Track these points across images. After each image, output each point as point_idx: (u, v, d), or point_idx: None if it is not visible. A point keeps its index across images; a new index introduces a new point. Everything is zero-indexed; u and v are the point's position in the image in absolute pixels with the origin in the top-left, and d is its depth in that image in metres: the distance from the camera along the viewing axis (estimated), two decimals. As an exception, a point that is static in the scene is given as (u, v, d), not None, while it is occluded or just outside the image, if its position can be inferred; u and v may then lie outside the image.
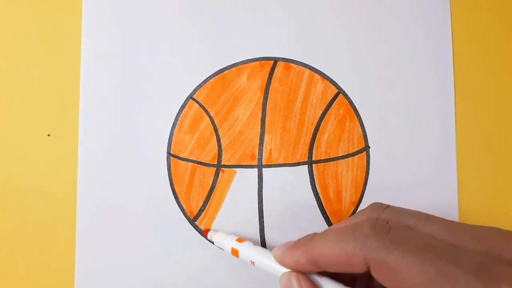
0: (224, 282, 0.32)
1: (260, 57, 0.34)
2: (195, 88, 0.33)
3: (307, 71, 0.34)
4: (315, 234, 0.25)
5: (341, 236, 0.23)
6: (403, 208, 0.25)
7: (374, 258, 0.22)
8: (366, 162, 0.33)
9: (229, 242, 0.30)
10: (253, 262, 0.29)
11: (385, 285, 0.22)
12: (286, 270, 0.26)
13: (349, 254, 0.22)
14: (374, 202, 0.26)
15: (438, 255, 0.21)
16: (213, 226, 0.33)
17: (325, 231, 0.25)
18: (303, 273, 0.25)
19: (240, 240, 0.30)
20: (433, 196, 0.33)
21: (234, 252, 0.30)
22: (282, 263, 0.26)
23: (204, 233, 0.32)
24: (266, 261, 0.28)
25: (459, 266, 0.20)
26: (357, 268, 0.23)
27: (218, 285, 0.32)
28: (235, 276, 0.32)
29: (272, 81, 0.33)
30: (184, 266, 0.32)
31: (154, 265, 0.32)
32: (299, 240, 0.26)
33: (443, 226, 0.23)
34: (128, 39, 0.33)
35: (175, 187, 0.33)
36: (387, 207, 0.25)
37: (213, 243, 0.32)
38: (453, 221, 0.23)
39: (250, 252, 0.29)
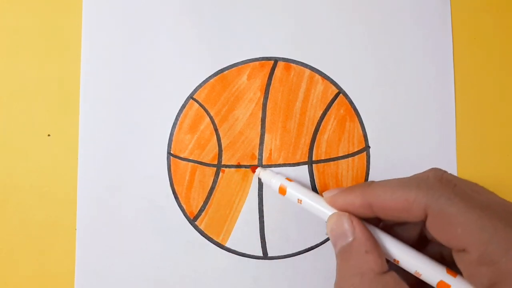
0: (224, 282, 0.32)
1: (260, 57, 0.34)
2: (196, 88, 0.33)
3: (307, 71, 0.34)
4: (372, 181, 0.25)
5: (404, 183, 0.23)
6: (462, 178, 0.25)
7: (435, 207, 0.22)
8: (366, 162, 0.33)
9: (278, 180, 0.30)
10: (300, 200, 0.29)
11: (437, 237, 0.22)
12: (334, 212, 0.26)
13: (410, 200, 0.22)
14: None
15: (499, 217, 0.21)
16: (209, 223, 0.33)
17: (385, 180, 0.25)
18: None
19: (288, 179, 0.30)
20: (433, 196, 0.33)
21: (282, 190, 0.30)
22: (333, 203, 0.26)
23: (251, 169, 0.32)
24: (315, 200, 0.28)
25: None
26: (414, 215, 0.22)
27: (218, 285, 0.32)
28: (235, 276, 0.32)
29: (272, 81, 0.33)
30: (184, 266, 0.32)
31: (154, 265, 0.32)
32: (354, 185, 0.26)
33: (503, 199, 0.23)
34: (128, 39, 0.33)
35: (175, 187, 0.33)
36: (445, 171, 0.25)
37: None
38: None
39: (298, 190, 0.29)
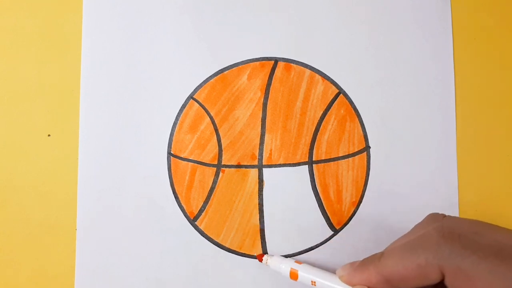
0: (224, 282, 0.32)
1: (260, 57, 0.34)
2: (196, 88, 0.33)
3: (308, 71, 0.34)
4: (382, 253, 0.25)
5: (410, 249, 0.23)
6: (460, 217, 0.25)
7: (449, 265, 0.21)
8: (367, 162, 0.33)
9: (287, 265, 0.30)
10: (314, 283, 0.29)
11: None
12: None
13: (422, 265, 0.22)
14: (429, 213, 0.26)
15: None
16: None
17: (391, 248, 0.25)
18: None
19: (297, 262, 0.30)
20: (433, 196, 0.33)
21: (293, 275, 0.30)
22: (349, 283, 0.26)
23: (258, 258, 0.32)
24: (330, 280, 0.28)
25: None
26: (432, 278, 0.22)
27: (218, 285, 0.32)
28: (235, 276, 0.32)
29: (272, 81, 0.33)
30: (184, 266, 0.32)
31: (154, 265, 0.32)
32: (365, 260, 0.26)
33: (507, 234, 0.22)
34: (129, 39, 0.33)
35: (175, 187, 0.33)
36: (444, 216, 0.25)
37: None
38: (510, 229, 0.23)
39: (310, 272, 0.29)
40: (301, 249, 0.33)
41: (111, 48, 0.33)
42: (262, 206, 0.33)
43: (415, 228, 0.26)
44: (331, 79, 0.34)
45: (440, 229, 0.23)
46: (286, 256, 0.33)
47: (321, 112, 0.33)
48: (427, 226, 0.24)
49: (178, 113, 0.33)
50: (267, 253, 0.32)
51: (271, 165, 0.33)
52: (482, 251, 0.21)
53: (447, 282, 0.22)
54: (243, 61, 0.33)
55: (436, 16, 0.34)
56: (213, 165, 0.33)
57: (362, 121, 0.33)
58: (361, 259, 0.26)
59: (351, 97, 0.34)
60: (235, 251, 0.33)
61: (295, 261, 0.30)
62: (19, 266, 0.32)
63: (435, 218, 0.25)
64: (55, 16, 0.33)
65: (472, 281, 0.21)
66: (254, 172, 0.33)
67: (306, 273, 0.29)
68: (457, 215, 0.33)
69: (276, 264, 0.31)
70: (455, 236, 0.22)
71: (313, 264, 0.31)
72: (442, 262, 0.22)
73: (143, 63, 0.33)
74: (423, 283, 0.23)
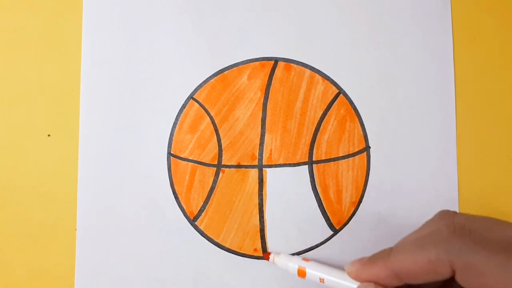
0: (224, 282, 0.32)
1: (260, 57, 0.34)
2: (196, 88, 0.33)
3: (308, 71, 0.34)
4: (391, 248, 0.25)
5: (421, 244, 0.23)
6: (470, 214, 0.25)
7: (460, 260, 0.22)
8: (367, 162, 0.33)
9: (295, 262, 0.30)
10: (322, 280, 0.28)
11: None
12: (359, 285, 0.26)
13: (433, 260, 0.22)
14: (440, 210, 0.26)
15: None
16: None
17: (401, 244, 0.25)
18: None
19: (305, 259, 0.30)
20: (433, 196, 0.33)
21: (301, 273, 0.30)
22: (358, 278, 0.26)
23: (264, 256, 0.32)
24: (338, 276, 0.28)
25: None
26: (442, 274, 0.22)
27: (218, 285, 0.32)
28: (235, 276, 0.32)
29: (272, 81, 0.33)
30: (184, 266, 0.32)
31: (154, 265, 0.32)
32: (374, 255, 0.26)
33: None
34: (129, 39, 0.33)
35: (175, 187, 0.33)
36: (455, 213, 0.25)
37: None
38: None
39: (318, 270, 0.29)
40: (301, 249, 0.33)
41: (111, 48, 0.33)
42: (262, 206, 0.33)
43: (425, 224, 0.26)
44: (331, 79, 0.34)
45: (451, 225, 0.23)
46: (286, 256, 0.33)
47: (321, 112, 0.33)
48: (437, 223, 0.24)
49: (178, 113, 0.33)
50: (270, 252, 0.32)
51: (271, 165, 0.33)
52: (493, 247, 0.21)
53: (458, 277, 0.22)
54: (243, 61, 0.33)
55: (436, 16, 0.34)
56: (213, 165, 0.33)
57: (362, 121, 0.34)
58: (370, 255, 0.26)
59: (351, 97, 0.34)
60: (235, 251, 0.33)
61: (303, 259, 0.30)
62: (19, 266, 0.32)
63: (445, 215, 0.25)
64: (55, 16, 0.33)
65: (483, 276, 0.21)
66: (254, 172, 0.33)
67: (314, 271, 0.29)
68: (457, 215, 0.33)
69: (284, 262, 0.31)
70: (466, 232, 0.23)
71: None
72: (453, 258, 0.22)
73: (143, 63, 0.33)
74: (433, 279, 0.23)
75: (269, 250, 0.33)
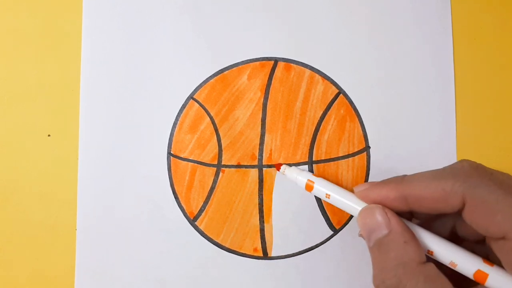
0: (224, 282, 0.32)
1: (260, 57, 0.34)
2: (196, 88, 0.33)
3: (308, 71, 0.34)
4: (405, 175, 0.25)
5: (439, 174, 0.23)
6: None
7: (474, 195, 0.22)
8: (367, 162, 0.33)
9: (304, 176, 0.30)
10: (328, 195, 0.28)
11: (476, 226, 0.22)
12: (365, 205, 0.25)
13: (447, 190, 0.22)
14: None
15: None
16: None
17: (417, 174, 0.25)
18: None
19: (315, 175, 0.30)
20: (433, 196, 0.33)
21: (309, 187, 0.30)
22: (365, 198, 0.26)
23: (276, 167, 0.32)
24: (344, 195, 0.27)
25: None
26: (451, 205, 0.22)
27: (218, 285, 0.32)
28: (235, 275, 0.32)
29: (272, 81, 0.33)
30: (184, 266, 0.32)
31: (154, 265, 0.32)
32: (387, 179, 0.25)
33: None
34: (129, 39, 0.33)
35: (175, 187, 0.33)
36: (479, 163, 0.25)
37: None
38: None
39: (326, 186, 0.29)
40: (301, 249, 0.33)
41: (111, 48, 0.33)
42: (262, 206, 0.33)
43: (446, 166, 0.25)
44: (331, 79, 0.34)
45: (474, 165, 0.23)
46: (287, 257, 0.33)
47: (321, 112, 0.33)
48: (460, 163, 0.24)
49: (178, 113, 0.33)
50: (284, 169, 0.32)
51: (271, 165, 0.33)
52: (510, 189, 0.21)
53: (465, 212, 0.22)
54: (243, 61, 0.33)
55: (436, 16, 0.34)
56: (213, 165, 0.33)
57: (362, 121, 0.34)
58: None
59: (351, 97, 0.34)
60: (235, 251, 0.33)
61: (313, 174, 0.31)
62: (19, 266, 0.32)
63: (470, 161, 0.25)
64: (55, 16, 0.33)
65: (493, 214, 0.21)
66: (254, 172, 0.33)
67: (321, 186, 0.29)
68: (457, 215, 0.33)
69: (294, 175, 0.31)
70: (487, 172, 0.23)
71: (313, 265, 0.31)
72: (468, 191, 0.22)
73: (143, 63, 0.33)
74: (441, 209, 0.23)
75: (268, 250, 0.33)
